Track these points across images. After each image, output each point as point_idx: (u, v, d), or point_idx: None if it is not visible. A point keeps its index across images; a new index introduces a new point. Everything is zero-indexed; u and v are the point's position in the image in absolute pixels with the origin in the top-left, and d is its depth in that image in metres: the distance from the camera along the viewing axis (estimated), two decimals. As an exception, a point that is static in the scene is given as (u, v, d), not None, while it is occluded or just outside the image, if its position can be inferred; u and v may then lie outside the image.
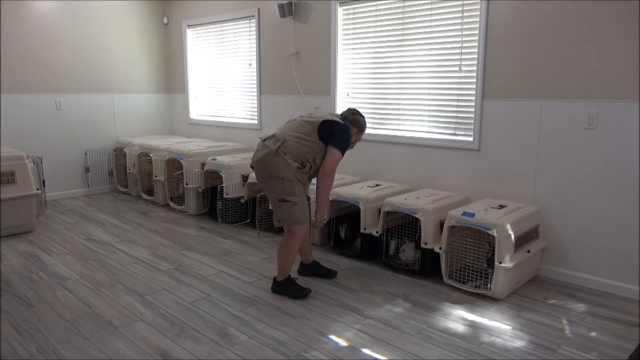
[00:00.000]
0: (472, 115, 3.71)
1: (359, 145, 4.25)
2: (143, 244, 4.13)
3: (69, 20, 5.55)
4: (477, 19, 3.57)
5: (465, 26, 3.67)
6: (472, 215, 3.10)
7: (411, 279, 3.41)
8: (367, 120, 3.32)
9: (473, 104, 3.69)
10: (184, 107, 6.42)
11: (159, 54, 6.47)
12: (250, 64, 5.43)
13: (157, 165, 5.26)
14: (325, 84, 4.65)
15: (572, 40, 3.17)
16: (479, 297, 3.09)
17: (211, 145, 5.34)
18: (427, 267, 3.37)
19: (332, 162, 2.96)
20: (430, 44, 3.88)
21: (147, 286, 3.25)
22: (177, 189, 5.28)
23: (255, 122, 5.46)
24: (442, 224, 3.30)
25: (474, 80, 3.66)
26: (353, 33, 4.41)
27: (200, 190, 4.96)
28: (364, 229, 3.68)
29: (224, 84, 5.86)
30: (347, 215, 3.99)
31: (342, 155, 3.00)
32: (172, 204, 5.23)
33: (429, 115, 3.98)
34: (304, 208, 2.99)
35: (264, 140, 3.01)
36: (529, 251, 3.16)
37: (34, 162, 4.54)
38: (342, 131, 3.00)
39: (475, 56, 3.62)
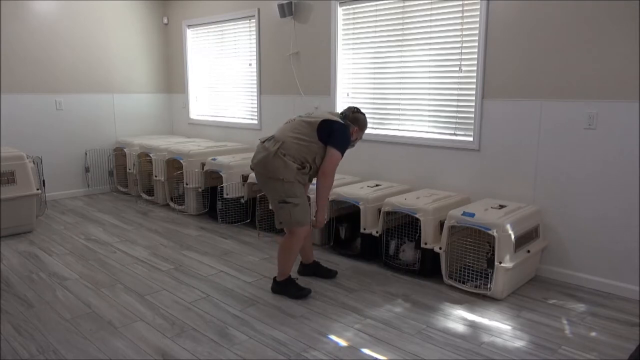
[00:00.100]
0: (472, 115, 3.71)
1: (359, 145, 4.26)
2: (143, 244, 4.13)
3: (69, 20, 5.55)
4: (477, 19, 3.57)
5: (465, 26, 3.67)
6: (472, 215, 3.10)
7: (411, 279, 3.41)
8: (367, 120, 3.31)
9: (473, 104, 3.69)
10: (184, 107, 6.42)
11: (159, 54, 6.47)
12: (250, 64, 5.43)
13: (157, 165, 5.26)
14: (325, 84, 4.65)
15: (572, 40, 3.17)
16: (479, 297, 3.09)
17: (211, 145, 5.34)
18: (427, 267, 3.37)
19: (331, 163, 2.95)
20: (430, 44, 3.88)
21: (147, 286, 3.25)
22: (177, 189, 5.28)
23: (255, 122, 5.46)
24: (442, 224, 3.30)
25: (474, 80, 3.66)
26: (353, 33, 4.41)
27: (200, 190, 4.96)
28: (364, 229, 3.68)
29: (224, 84, 5.86)
30: (347, 215, 3.99)
31: (342, 155, 2.99)
32: (172, 204, 5.23)
33: (429, 115, 3.98)
34: (305, 209, 2.98)
35: (263, 141, 3.00)
36: (529, 251, 3.16)
37: (34, 162, 4.54)
38: (342, 131, 2.98)
39: (475, 56, 3.62)
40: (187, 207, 5.04)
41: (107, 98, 6.00)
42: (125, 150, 5.78)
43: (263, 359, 2.38)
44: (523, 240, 3.17)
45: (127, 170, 5.85)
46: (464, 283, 3.20)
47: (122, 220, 4.86)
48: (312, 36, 4.71)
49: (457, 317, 2.83)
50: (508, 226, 3.01)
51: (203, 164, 4.89)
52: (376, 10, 4.18)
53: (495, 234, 2.99)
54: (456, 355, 2.42)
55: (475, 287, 3.15)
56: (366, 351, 2.46)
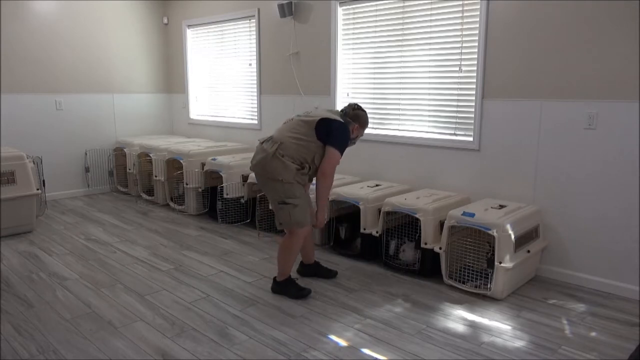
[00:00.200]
0: (472, 115, 3.71)
1: (359, 145, 4.26)
2: (143, 244, 4.13)
3: (69, 20, 5.55)
4: (477, 19, 3.57)
5: (465, 26, 3.67)
6: (472, 215, 3.10)
7: (411, 279, 3.41)
8: (368, 117, 3.23)
9: (473, 104, 3.69)
10: (184, 107, 6.42)
11: (159, 54, 6.47)
12: (250, 64, 5.43)
13: (157, 165, 5.26)
14: (325, 84, 4.65)
15: (572, 40, 3.17)
16: (479, 297, 3.09)
17: (211, 145, 5.34)
18: (427, 267, 3.37)
19: (331, 163, 2.93)
20: (430, 44, 3.88)
21: (147, 286, 3.25)
22: (177, 189, 5.28)
23: (255, 122, 5.46)
24: (442, 224, 3.30)
25: (474, 80, 3.66)
26: (353, 33, 4.41)
27: (200, 190, 4.96)
28: (364, 229, 3.68)
29: (224, 84, 5.86)
30: (347, 215, 3.99)
31: (341, 154, 2.97)
32: (172, 204, 5.23)
33: (429, 115, 3.98)
34: (305, 210, 2.97)
35: (262, 142, 2.99)
36: (529, 251, 3.16)
37: (34, 162, 4.54)
38: (341, 130, 2.96)
39: (475, 56, 3.62)
40: (187, 207, 5.04)
41: (107, 98, 6.00)
42: (125, 150, 5.78)
43: (263, 359, 2.38)
44: (523, 240, 3.17)
45: (127, 170, 5.85)
46: (464, 283, 3.20)
47: (122, 220, 4.86)
48: (312, 36, 4.71)
49: (457, 317, 2.83)
50: (508, 226, 3.01)
51: (203, 164, 4.89)
52: (376, 10, 4.18)
53: (495, 234, 2.99)
54: (456, 355, 2.42)
55: (475, 287, 3.14)
56: (366, 351, 2.46)
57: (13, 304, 2.98)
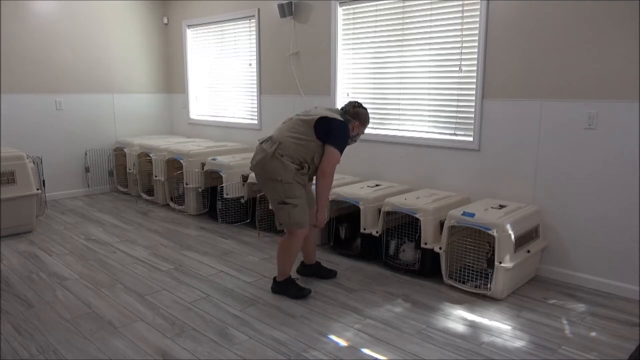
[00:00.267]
0: (472, 115, 3.71)
1: (359, 145, 4.26)
2: (143, 244, 4.13)
3: (69, 20, 5.55)
4: (477, 19, 3.57)
5: (465, 26, 3.67)
6: (472, 215, 3.10)
7: (411, 279, 3.41)
8: (369, 114, 3.18)
9: (473, 104, 3.69)
10: (184, 107, 6.42)
11: (159, 54, 6.47)
12: (250, 64, 5.43)
13: (157, 165, 5.26)
14: (325, 84, 4.65)
15: (572, 40, 3.17)
16: (479, 297, 3.09)
17: (211, 145, 5.34)
18: (427, 267, 3.37)
19: (330, 162, 2.92)
20: (430, 44, 3.88)
21: (147, 286, 3.25)
22: (177, 189, 5.28)
23: (255, 122, 5.46)
24: (442, 224, 3.30)
25: (474, 80, 3.66)
26: (353, 33, 4.41)
27: (200, 190, 4.96)
28: (364, 229, 3.68)
29: (224, 84, 5.86)
30: (347, 215, 3.99)
31: (341, 153, 2.95)
32: (172, 204, 5.23)
33: (429, 115, 3.98)
34: (304, 210, 2.97)
35: (262, 143, 2.99)
36: (529, 251, 3.16)
37: (34, 162, 4.54)
38: (340, 129, 2.94)
39: (475, 56, 3.62)
40: (187, 207, 5.04)
41: (107, 98, 6.00)
42: (125, 150, 5.78)
43: (263, 359, 2.38)
44: (523, 240, 3.17)
45: (127, 170, 5.85)
46: (464, 283, 3.20)
47: (122, 220, 4.86)
48: (312, 36, 4.71)
49: (457, 317, 2.83)
50: (508, 226, 3.01)
51: (203, 164, 4.89)
52: (376, 10, 4.18)
53: (495, 234, 2.99)
54: (456, 355, 2.42)
55: (475, 287, 3.14)
56: (366, 351, 2.46)
57: (13, 304, 2.98)
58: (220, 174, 4.61)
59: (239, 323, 2.74)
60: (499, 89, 3.54)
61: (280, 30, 4.99)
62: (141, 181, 5.68)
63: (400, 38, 4.06)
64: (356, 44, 4.40)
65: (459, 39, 3.71)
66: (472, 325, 2.74)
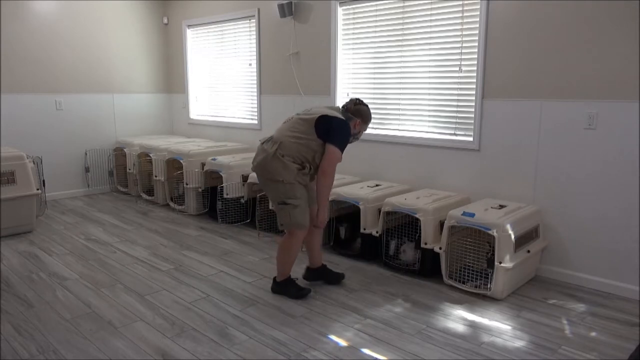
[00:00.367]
0: (472, 115, 3.71)
1: (359, 145, 4.26)
2: (143, 244, 4.13)
3: (69, 20, 5.55)
4: (477, 19, 3.57)
5: (465, 26, 3.67)
6: (472, 215, 3.10)
7: (411, 279, 3.41)
8: (370, 112, 3.15)
9: (473, 104, 3.69)
10: (184, 107, 6.42)
11: (159, 54, 6.47)
12: (250, 64, 5.43)
13: (157, 165, 5.26)
14: (325, 84, 4.65)
15: (572, 40, 3.17)
16: (479, 297, 3.09)
17: (211, 145, 5.34)
18: (427, 267, 3.37)
19: (331, 161, 2.89)
20: (430, 44, 3.88)
21: (147, 286, 3.25)
22: (177, 189, 5.28)
23: (255, 122, 5.46)
24: (442, 224, 3.30)
25: (474, 80, 3.66)
26: (353, 33, 4.41)
27: (200, 190, 4.96)
28: (364, 229, 3.68)
29: (224, 84, 5.86)
30: (347, 215, 3.99)
31: (342, 151, 2.92)
32: (172, 204, 5.23)
33: (429, 115, 3.98)
34: (305, 211, 2.95)
35: (263, 143, 2.97)
36: (529, 251, 3.16)
37: (34, 162, 4.54)
38: (341, 127, 2.91)
39: (475, 56, 3.62)
40: (187, 207, 5.04)
41: (107, 98, 6.00)
42: (125, 150, 5.78)
43: (263, 359, 2.38)
44: (523, 240, 3.17)
45: (127, 170, 5.85)
46: (464, 283, 3.20)
47: (122, 220, 4.86)
48: (312, 36, 4.71)
49: (457, 317, 2.83)
50: (508, 226, 3.01)
51: (203, 164, 4.89)
52: (376, 10, 4.18)
53: (495, 234, 2.99)
54: (456, 355, 2.42)
55: (475, 287, 3.14)
56: (366, 351, 2.46)
57: (13, 304, 2.98)
58: (220, 174, 4.61)
59: (239, 323, 2.74)
60: (499, 89, 3.54)
61: (280, 30, 4.99)
62: (141, 181, 5.68)
63: (400, 38, 4.06)
64: (356, 44, 4.40)
65: (459, 39, 3.71)
66: (472, 325, 2.74)
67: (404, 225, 3.56)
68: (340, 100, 4.56)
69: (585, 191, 3.24)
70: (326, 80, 4.64)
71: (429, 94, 3.95)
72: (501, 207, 3.28)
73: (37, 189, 4.36)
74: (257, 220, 4.40)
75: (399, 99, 4.16)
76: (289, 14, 4.74)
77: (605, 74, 3.07)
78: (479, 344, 2.53)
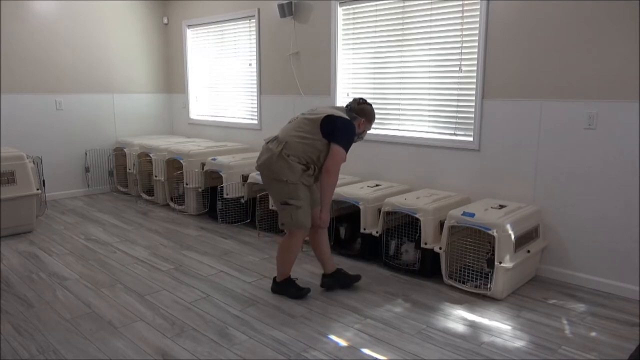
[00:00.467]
0: (472, 115, 3.71)
1: (359, 145, 4.25)
2: (143, 244, 4.13)
3: (69, 20, 5.55)
4: (477, 19, 3.57)
5: (465, 26, 3.67)
6: (472, 215, 3.10)
7: (411, 279, 3.41)
8: (374, 111, 3.14)
9: (473, 104, 3.69)
10: (184, 107, 6.42)
11: (159, 54, 6.47)
12: (250, 64, 5.43)
13: (157, 165, 5.26)
14: (325, 84, 4.65)
15: (572, 40, 3.17)
16: (479, 297, 3.09)
17: (211, 145, 5.34)
18: (427, 267, 3.37)
19: (335, 160, 2.88)
20: (430, 44, 3.88)
21: (147, 286, 3.25)
22: (177, 189, 5.28)
23: (255, 122, 5.46)
24: (442, 224, 3.30)
25: (474, 80, 3.66)
26: (353, 33, 4.41)
27: (200, 190, 4.96)
28: (364, 229, 3.68)
29: (224, 84, 5.86)
30: (347, 215, 3.99)
31: (346, 151, 2.91)
32: (172, 204, 5.23)
33: (429, 115, 3.98)
34: (307, 212, 2.94)
35: (267, 142, 2.96)
36: (529, 251, 3.16)
37: (34, 162, 4.54)
38: (345, 127, 2.90)
39: (475, 56, 3.62)
40: (187, 207, 5.04)
41: (107, 98, 6.00)
42: (125, 150, 5.78)
43: (263, 359, 2.38)
44: (523, 240, 3.17)
45: (127, 170, 5.85)
46: (464, 283, 3.20)
47: (122, 220, 4.86)
48: (312, 36, 4.71)
49: (457, 317, 2.83)
50: (508, 226, 3.01)
51: (203, 164, 4.89)
52: (376, 10, 4.18)
53: (495, 234, 2.99)
54: (456, 355, 2.42)
55: (475, 287, 3.14)
56: (366, 351, 2.46)
57: (13, 304, 2.98)
58: (220, 174, 4.61)
59: (239, 323, 2.74)
60: (499, 89, 3.54)
61: (280, 30, 4.99)
62: (141, 181, 5.68)
63: (400, 38, 4.06)
64: (356, 44, 4.40)
65: (459, 39, 3.71)
66: (472, 325, 2.74)
67: (404, 225, 3.56)
68: (340, 100, 4.56)
69: (585, 191, 3.24)
70: (326, 80, 4.64)
71: (429, 94, 3.95)
72: (501, 207, 3.28)
73: (37, 189, 4.36)
74: (257, 220, 4.40)
75: (399, 99, 4.16)
76: (289, 14, 4.74)
77: (605, 74, 3.07)
78: (479, 344, 2.53)
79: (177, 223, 4.77)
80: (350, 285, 3.23)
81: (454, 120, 3.84)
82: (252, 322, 2.76)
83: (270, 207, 4.25)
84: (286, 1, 4.70)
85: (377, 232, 3.60)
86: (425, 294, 3.16)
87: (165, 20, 6.42)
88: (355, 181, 4.28)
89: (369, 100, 4.29)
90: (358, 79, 4.44)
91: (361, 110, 3.03)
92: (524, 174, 3.49)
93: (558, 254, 3.41)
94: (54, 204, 5.44)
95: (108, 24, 5.89)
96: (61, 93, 5.60)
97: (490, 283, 3.05)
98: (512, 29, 3.41)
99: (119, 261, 3.71)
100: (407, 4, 3.98)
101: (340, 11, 4.45)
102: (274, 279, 3.15)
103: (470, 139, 3.73)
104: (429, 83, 3.93)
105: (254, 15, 5.22)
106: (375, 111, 4.24)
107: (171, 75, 6.57)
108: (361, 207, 3.66)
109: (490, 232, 3.02)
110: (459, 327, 2.71)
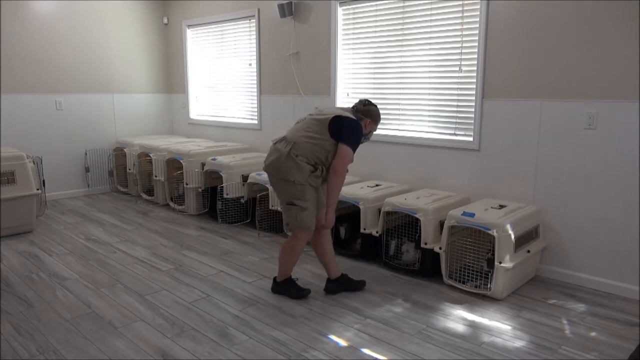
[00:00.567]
0: (472, 115, 3.71)
1: (360, 145, 4.25)
2: (143, 244, 4.13)
3: (69, 20, 5.55)
4: (477, 19, 3.57)
5: (465, 26, 3.67)
6: (472, 215, 3.10)
7: (411, 279, 3.41)
8: (379, 111, 3.14)
9: (473, 104, 3.69)
10: (184, 107, 6.42)
11: (159, 54, 6.47)
12: (250, 64, 5.43)
13: (157, 165, 5.26)
14: (325, 84, 4.65)
15: (572, 40, 3.17)
16: (479, 297, 3.09)
17: (211, 145, 5.34)
18: (427, 267, 3.37)
19: (342, 160, 2.89)
20: (430, 44, 3.88)
21: (147, 286, 3.25)
22: (177, 189, 5.28)
23: (256, 122, 5.46)
24: (442, 224, 3.30)
25: (474, 80, 3.66)
26: (353, 33, 4.41)
27: (200, 190, 4.96)
28: (364, 229, 3.68)
29: (224, 84, 5.86)
30: (347, 215, 3.99)
31: (354, 151, 2.92)
32: (172, 204, 5.23)
33: (429, 115, 3.98)
34: (312, 214, 2.93)
35: (275, 143, 2.96)
36: (529, 251, 3.16)
37: (34, 162, 4.54)
38: (353, 127, 2.91)
39: (475, 56, 3.62)
40: (187, 207, 5.04)
41: (107, 98, 6.00)
42: (125, 150, 5.78)
43: (263, 359, 2.38)
44: (523, 240, 3.17)
45: (127, 170, 5.85)
46: (464, 283, 3.20)
47: (122, 220, 4.86)
48: (312, 36, 4.71)
49: (457, 317, 2.83)
50: (508, 226, 3.01)
51: (203, 164, 4.89)
52: (376, 10, 4.18)
53: (495, 234, 2.99)
54: (456, 355, 2.42)
55: (475, 287, 3.14)
56: (366, 351, 2.46)
57: (13, 304, 2.98)
58: (220, 174, 4.61)
59: (239, 323, 2.74)
60: (499, 89, 3.54)
61: (280, 30, 4.99)
62: (141, 181, 5.68)
63: (400, 38, 4.06)
64: (356, 44, 4.40)
65: (459, 39, 3.71)
66: (472, 325, 2.74)
67: (404, 225, 3.56)
68: (340, 100, 4.56)
69: (585, 191, 3.24)
70: (326, 80, 4.64)
71: (429, 94, 3.95)
72: (501, 207, 3.28)
73: (37, 189, 4.36)
74: (257, 220, 4.40)
75: (399, 99, 4.16)
76: (289, 14, 4.74)
77: (605, 74, 3.07)
78: (479, 344, 2.53)
79: (177, 223, 4.77)
80: (355, 291, 3.22)
81: (454, 120, 3.84)
82: (252, 322, 2.76)
83: (271, 207, 4.25)
84: (286, 1, 4.70)
85: (377, 232, 3.60)
86: (425, 294, 3.16)
87: (165, 20, 6.42)
88: (355, 181, 4.28)
89: (369, 101, 4.32)
90: (358, 79, 4.44)
91: (367, 111, 3.03)
92: (524, 174, 3.49)
93: (558, 254, 3.41)
94: (54, 204, 5.44)
95: (108, 24, 5.89)
96: (61, 93, 5.60)
97: (490, 283, 3.05)
98: (512, 29, 3.41)
99: (119, 261, 3.71)
100: (407, 4, 3.98)
101: (340, 11, 4.45)
102: (274, 279, 3.15)
103: (470, 139, 3.73)
104: (429, 83, 3.93)
105: (254, 15, 5.22)
106: (376, 111, 4.28)
107: (171, 75, 6.57)
108: (361, 207, 3.66)
109: (490, 232, 3.02)
110: (459, 327, 2.71)
